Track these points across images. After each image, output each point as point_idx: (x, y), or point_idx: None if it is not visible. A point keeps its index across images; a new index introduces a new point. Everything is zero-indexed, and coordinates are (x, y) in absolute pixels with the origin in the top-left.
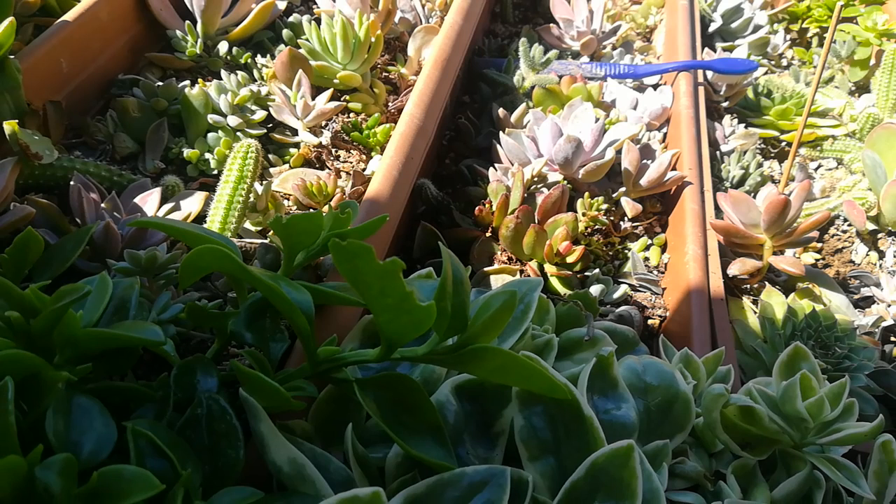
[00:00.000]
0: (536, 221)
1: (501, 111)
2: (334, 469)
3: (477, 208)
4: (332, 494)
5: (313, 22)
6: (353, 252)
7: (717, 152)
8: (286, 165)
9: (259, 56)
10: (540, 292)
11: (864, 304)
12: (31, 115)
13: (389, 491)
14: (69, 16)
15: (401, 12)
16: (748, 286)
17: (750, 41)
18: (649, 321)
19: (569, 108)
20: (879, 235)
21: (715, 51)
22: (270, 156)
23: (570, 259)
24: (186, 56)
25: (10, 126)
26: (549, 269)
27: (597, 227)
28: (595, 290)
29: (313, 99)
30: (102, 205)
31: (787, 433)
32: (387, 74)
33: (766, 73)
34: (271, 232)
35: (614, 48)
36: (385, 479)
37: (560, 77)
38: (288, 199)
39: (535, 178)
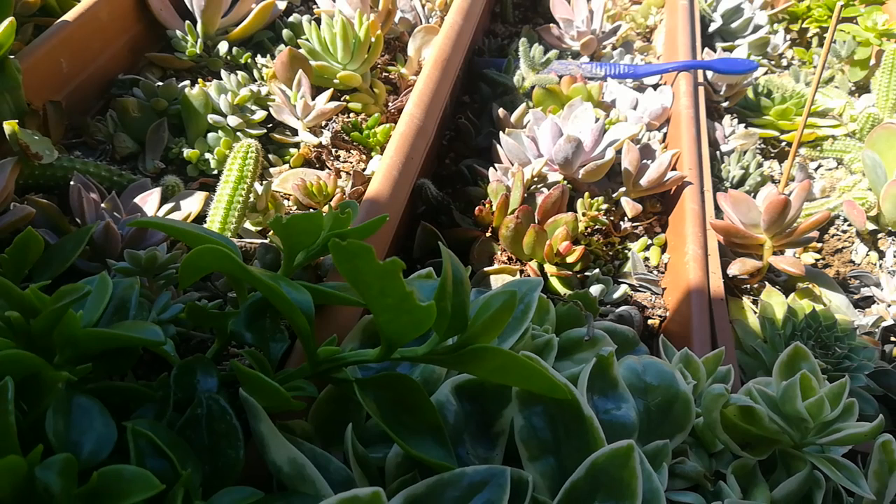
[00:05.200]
0: (536, 221)
1: (501, 111)
2: (334, 469)
3: (477, 208)
4: (332, 494)
5: (313, 22)
6: (353, 252)
7: (717, 152)
8: (286, 165)
9: (259, 56)
10: (540, 292)
11: (864, 304)
12: (31, 115)
13: (389, 491)
14: (69, 16)
15: (401, 12)
16: (748, 286)
17: (750, 41)
18: (649, 321)
19: (569, 108)
20: (879, 235)
21: (715, 51)
22: (270, 156)
23: (570, 259)
24: (186, 56)
25: (10, 126)
26: (549, 269)
27: (597, 227)
28: (595, 290)
29: (313, 99)
30: (102, 205)
31: (787, 433)
32: (387, 74)
33: (766, 73)
34: (271, 232)
35: (614, 48)
36: (385, 479)
37: (560, 77)
38: (288, 199)
39: (535, 178)
